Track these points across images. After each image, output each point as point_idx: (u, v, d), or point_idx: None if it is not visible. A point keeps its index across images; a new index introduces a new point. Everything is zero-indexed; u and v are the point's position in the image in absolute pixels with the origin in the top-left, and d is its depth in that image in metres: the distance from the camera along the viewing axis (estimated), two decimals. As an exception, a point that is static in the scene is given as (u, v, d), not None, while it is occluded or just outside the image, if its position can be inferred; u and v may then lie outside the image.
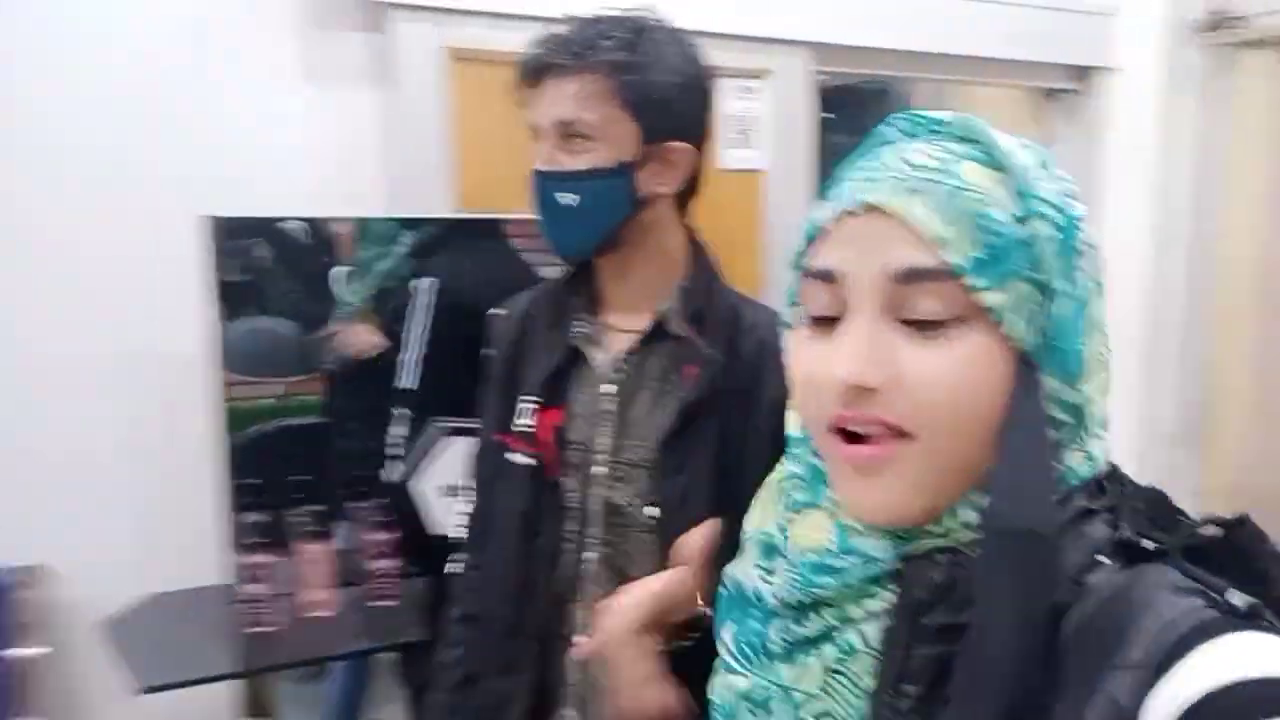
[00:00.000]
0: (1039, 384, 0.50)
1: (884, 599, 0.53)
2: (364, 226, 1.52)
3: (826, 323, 0.52)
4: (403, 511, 1.41)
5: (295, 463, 1.41)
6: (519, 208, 1.13)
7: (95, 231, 1.50)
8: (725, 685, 0.58)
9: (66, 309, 1.50)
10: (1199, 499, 2.40)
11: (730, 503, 0.68)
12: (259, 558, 1.27)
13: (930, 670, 0.50)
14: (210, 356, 1.39)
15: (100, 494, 1.54)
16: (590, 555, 0.95)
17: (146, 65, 1.52)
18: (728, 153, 1.96)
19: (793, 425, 0.59)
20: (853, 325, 0.51)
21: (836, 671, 0.53)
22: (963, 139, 0.53)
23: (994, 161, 0.51)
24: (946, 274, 0.49)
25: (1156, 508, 0.52)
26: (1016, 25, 2.21)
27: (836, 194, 0.53)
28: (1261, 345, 2.38)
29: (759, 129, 2.00)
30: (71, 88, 1.48)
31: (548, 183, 0.96)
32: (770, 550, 0.58)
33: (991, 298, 0.48)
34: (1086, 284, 0.52)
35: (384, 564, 1.38)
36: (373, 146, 1.68)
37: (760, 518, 0.61)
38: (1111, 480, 0.54)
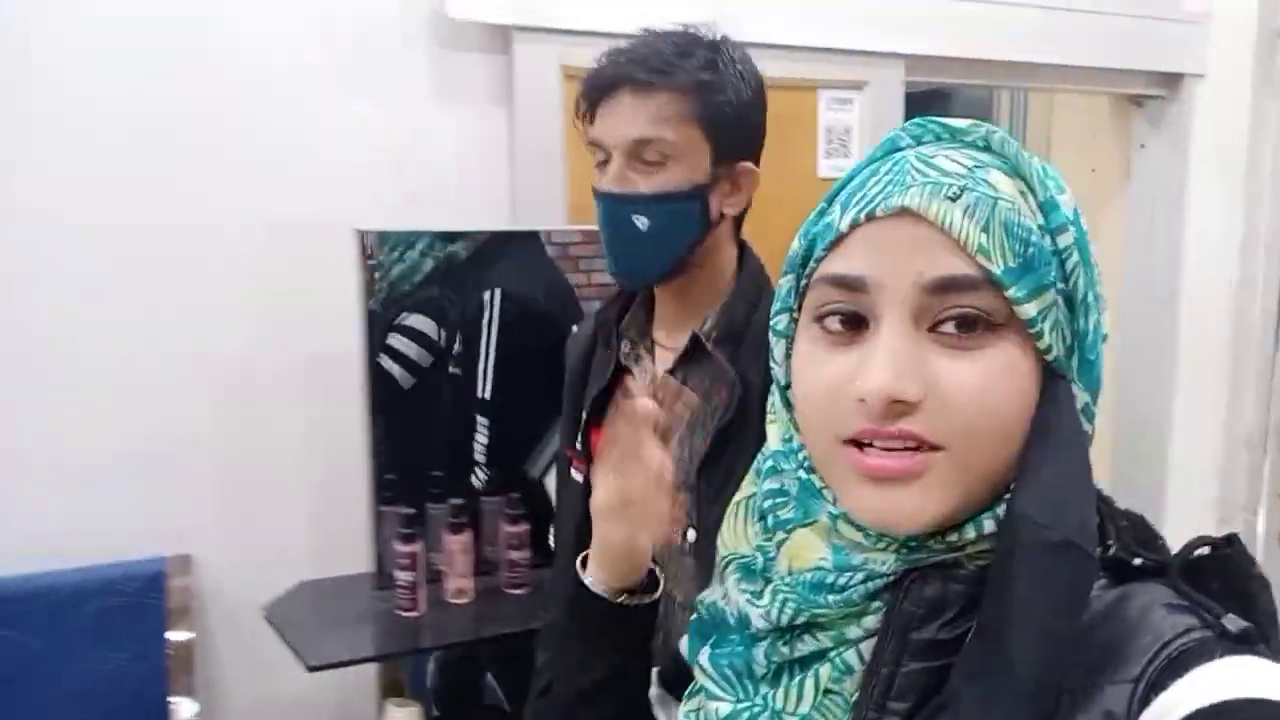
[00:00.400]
0: (1073, 396, 0.49)
1: (879, 616, 0.51)
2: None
3: (847, 333, 0.50)
4: (535, 505, 1.51)
5: (437, 458, 1.51)
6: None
7: (263, 245, 1.63)
8: (703, 711, 0.56)
9: (227, 310, 1.63)
10: (1278, 502, 2.42)
11: None
12: (408, 547, 1.37)
13: (919, 686, 0.49)
14: (363, 357, 1.49)
15: (245, 490, 1.67)
16: None
17: (302, 88, 1.64)
18: (825, 161, 2.03)
19: (774, 439, 0.57)
20: (884, 336, 0.48)
21: (832, 691, 0.52)
22: (983, 148, 0.52)
23: (1018, 171, 0.50)
24: (985, 283, 0.47)
25: (1140, 528, 0.53)
26: (1104, 32, 2.24)
27: (857, 197, 0.50)
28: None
29: (854, 138, 2.06)
30: (239, 108, 1.60)
31: (620, 205, 0.92)
32: (751, 573, 0.56)
33: (1028, 308, 0.48)
34: (1100, 297, 0.52)
35: (516, 555, 1.48)
36: (499, 161, 1.78)
37: (733, 540, 0.59)
38: (1100, 503, 0.53)
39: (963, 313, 0.47)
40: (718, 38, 0.97)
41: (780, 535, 0.54)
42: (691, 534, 0.92)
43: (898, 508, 0.49)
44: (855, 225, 0.49)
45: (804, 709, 0.52)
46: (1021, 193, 0.50)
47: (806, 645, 0.52)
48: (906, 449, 0.48)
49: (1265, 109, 2.38)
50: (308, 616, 1.46)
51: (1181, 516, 2.36)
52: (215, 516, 1.65)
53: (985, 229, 0.47)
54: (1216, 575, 0.49)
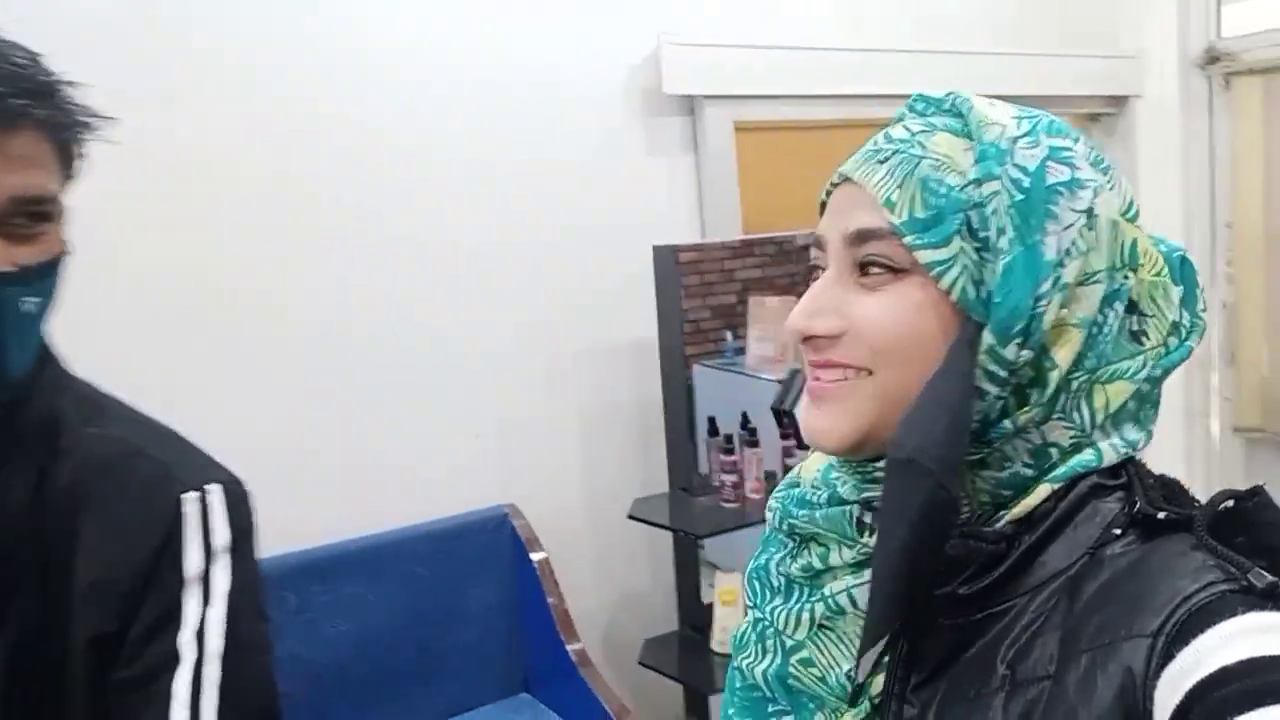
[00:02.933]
0: (970, 335, 0.52)
1: (863, 553, 0.55)
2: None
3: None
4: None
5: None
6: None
7: (568, 263, 2.20)
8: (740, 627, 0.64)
9: (549, 311, 2.19)
10: (1227, 404, 3.20)
11: None
12: (729, 459, 1.97)
13: (943, 642, 0.53)
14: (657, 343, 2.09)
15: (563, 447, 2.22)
16: None
17: (578, 150, 2.23)
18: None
19: None
20: (816, 282, 0.57)
21: (826, 628, 0.57)
22: (951, 113, 0.56)
23: (967, 131, 0.54)
24: (888, 232, 0.53)
25: (1170, 487, 0.54)
26: (1071, 67, 3.03)
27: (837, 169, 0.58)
28: (1273, 296, 3.19)
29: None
30: (539, 158, 2.18)
31: (8, 289, 0.64)
32: (790, 486, 0.64)
33: (927, 254, 0.52)
34: (1065, 249, 0.52)
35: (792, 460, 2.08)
36: (690, 192, 2.40)
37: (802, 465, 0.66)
38: (1127, 464, 0.55)
39: (867, 257, 0.54)
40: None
41: (804, 453, 0.65)
42: None
43: (815, 424, 0.56)
44: (829, 193, 0.58)
45: (800, 635, 0.58)
46: (966, 150, 0.54)
47: (800, 560, 0.59)
48: (834, 372, 0.55)
49: (1190, 120, 3.19)
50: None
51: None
52: (533, 473, 2.20)
53: (901, 185, 0.53)
54: (1243, 529, 0.48)
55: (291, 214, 1.91)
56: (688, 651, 2.05)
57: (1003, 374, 0.52)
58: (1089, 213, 0.53)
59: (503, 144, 2.13)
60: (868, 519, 0.56)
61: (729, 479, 1.96)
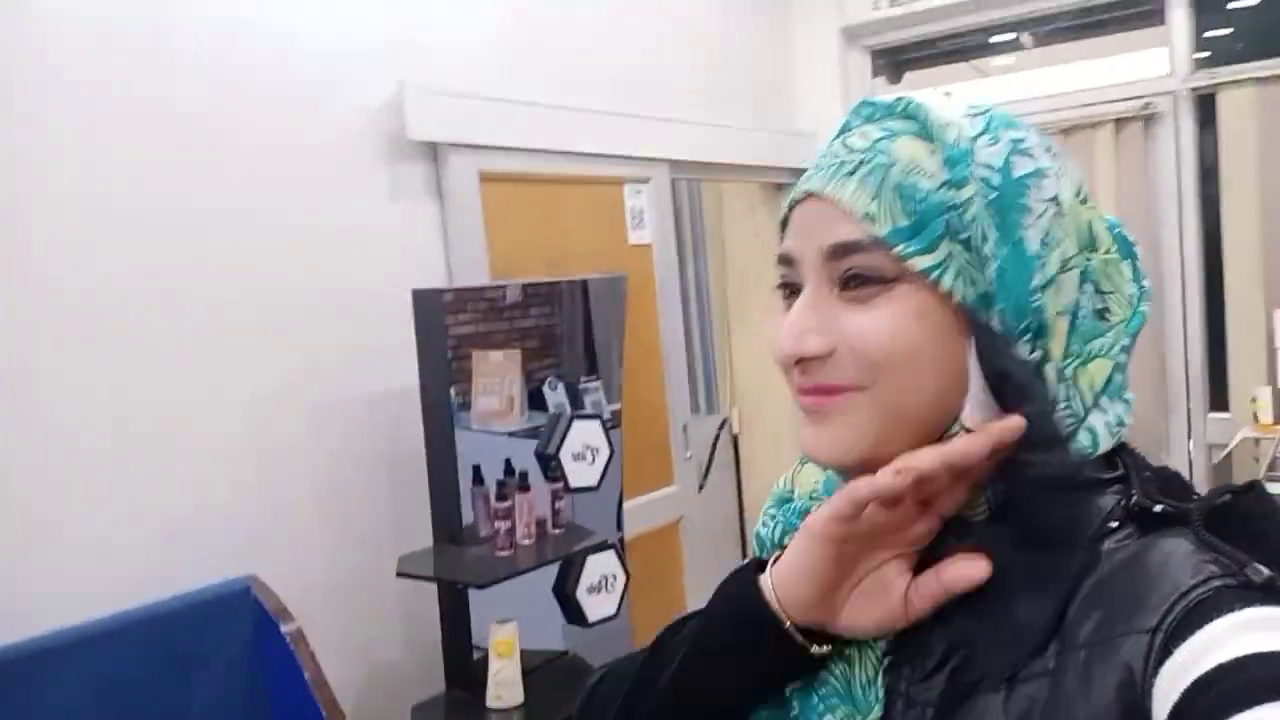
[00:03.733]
0: (991, 334, 0.52)
1: None
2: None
3: (792, 298, 0.57)
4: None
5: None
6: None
7: (306, 312, 2.06)
8: None
9: (283, 363, 2.02)
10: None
11: None
12: (502, 504, 1.93)
13: (944, 638, 0.53)
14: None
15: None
16: None
17: (316, 197, 2.10)
18: (632, 232, 2.88)
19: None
20: (797, 303, 0.56)
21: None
22: (904, 116, 0.56)
23: (927, 134, 0.54)
24: (873, 244, 0.52)
25: (1167, 480, 0.55)
26: (755, 141, 3.40)
27: (797, 185, 0.57)
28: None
29: (645, 215, 2.94)
30: (272, 205, 2.02)
31: None
32: (784, 500, 0.63)
33: (920, 261, 0.52)
34: (1043, 240, 0.53)
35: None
36: (436, 238, 2.36)
37: (787, 481, 0.66)
38: (1122, 453, 0.56)
39: (852, 271, 0.53)
40: None
41: (796, 467, 0.62)
42: None
43: (818, 441, 0.55)
44: (790, 210, 0.58)
45: (822, 646, 0.56)
46: (931, 152, 0.53)
47: None
48: (827, 389, 0.54)
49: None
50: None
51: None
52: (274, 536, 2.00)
53: (875, 196, 0.52)
54: (1240, 523, 0.48)
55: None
56: (458, 713, 1.96)
57: (1030, 357, 0.54)
58: (1055, 200, 0.54)
59: (232, 186, 1.96)
60: None
61: (503, 525, 1.93)
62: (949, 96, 4.02)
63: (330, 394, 2.10)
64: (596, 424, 2.20)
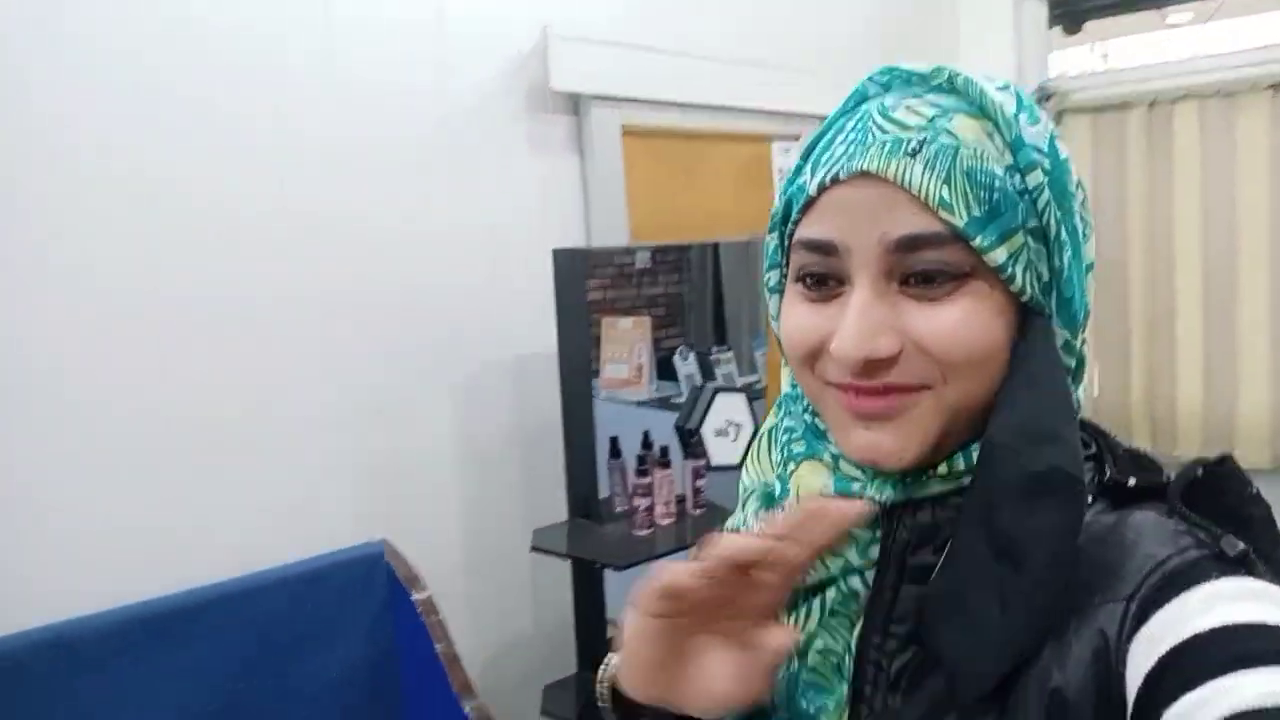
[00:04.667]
0: (1051, 331, 0.50)
1: (878, 545, 0.53)
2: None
3: (822, 290, 0.52)
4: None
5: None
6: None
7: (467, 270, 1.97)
8: None
9: (421, 325, 1.95)
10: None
11: None
12: (642, 480, 1.80)
13: (916, 609, 0.51)
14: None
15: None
16: None
17: (432, 141, 2.01)
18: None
19: (784, 384, 0.59)
20: (855, 299, 0.50)
21: (837, 613, 0.54)
22: (950, 90, 0.51)
23: (983, 112, 0.49)
24: (950, 236, 0.47)
25: (1138, 457, 0.54)
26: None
27: (824, 159, 0.51)
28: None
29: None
30: (409, 157, 1.94)
31: None
32: (771, 499, 0.58)
33: (996, 254, 0.48)
34: (1081, 226, 0.51)
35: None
36: (576, 196, 2.24)
37: (757, 469, 0.60)
38: (1093, 432, 0.55)
39: (925, 267, 0.48)
40: None
41: (791, 466, 0.57)
42: None
43: (881, 446, 0.50)
44: (823, 189, 0.50)
45: (810, 626, 0.54)
46: (989, 134, 0.49)
47: (816, 573, 0.54)
48: (889, 390, 0.50)
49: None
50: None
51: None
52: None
53: (947, 181, 0.47)
54: (1213, 498, 0.48)
55: (153, 218, 1.58)
56: (592, 695, 1.86)
57: (1073, 365, 0.52)
58: (1080, 185, 0.52)
59: (369, 139, 1.88)
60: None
61: (642, 502, 1.80)
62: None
63: (465, 359, 2.01)
64: (741, 398, 2.05)
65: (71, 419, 1.54)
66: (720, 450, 1.99)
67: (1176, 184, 2.95)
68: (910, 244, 0.48)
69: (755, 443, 0.61)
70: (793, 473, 0.56)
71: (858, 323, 0.49)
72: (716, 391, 2.00)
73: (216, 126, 1.66)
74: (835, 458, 0.54)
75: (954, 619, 0.48)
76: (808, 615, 0.55)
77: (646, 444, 1.95)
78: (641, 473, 1.81)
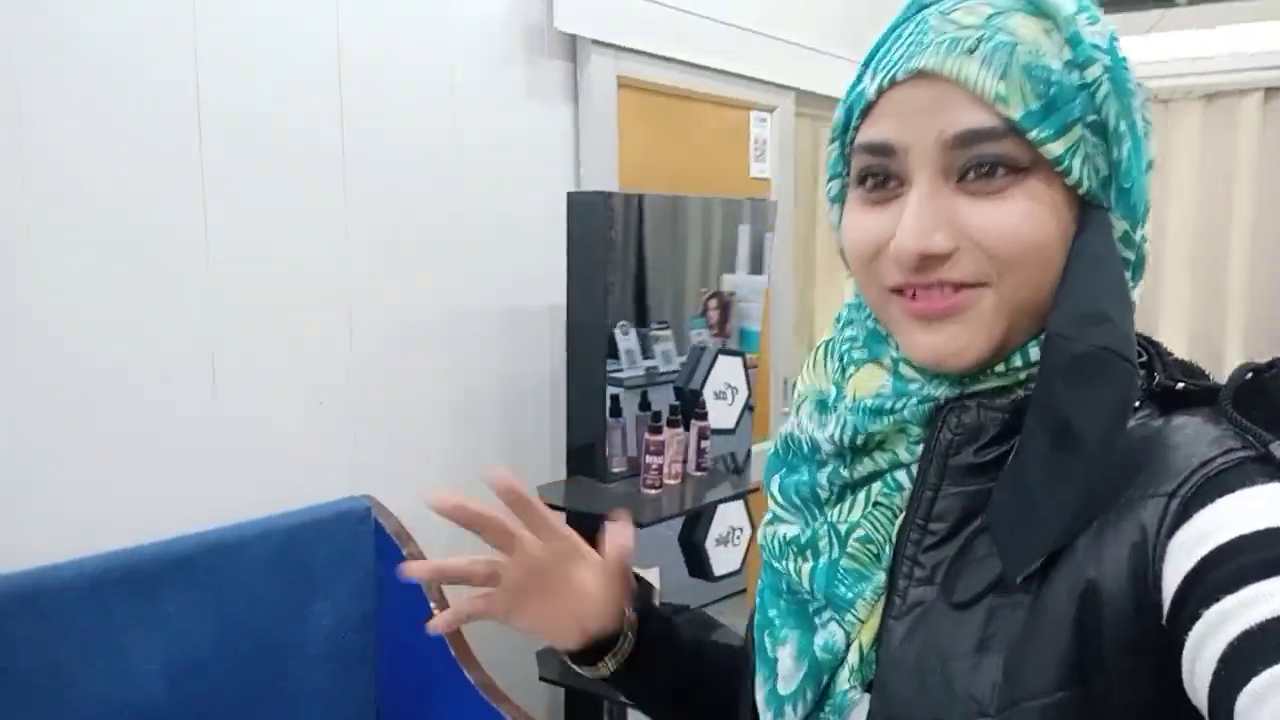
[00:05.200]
0: (1109, 224, 0.50)
1: (920, 444, 0.53)
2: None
3: (882, 192, 0.52)
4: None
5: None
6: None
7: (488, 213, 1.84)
8: (774, 533, 0.60)
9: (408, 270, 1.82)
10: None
11: None
12: (656, 438, 1.74)
13: (957, 509, 0.51)
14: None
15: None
16: None
17: (426, 79, 1.87)
18: (754, 165, 2.67)
19: (848, 294, 0.60)
20: (913, 196, 0.50)
21: (880, 504, 0.55)
22: None
23: (1041, 11, 0.49)
24: (1006, 130, 0.48)
25: (1187, 365, 0.54)
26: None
27: (883, 63, 0.51)
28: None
29: (768, 148, 2.73)
30: (400, 96, 1.79)
31: None
32: (824, 406, 0.58)
33: (1053, 147, 0.48)
34: (1142, 124, 0.51)
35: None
36: (568, 145, 2.14)
37: (811, 378, 0.61)
38: (1149, 344, 0.55)
39: (983, 161, 0.49)
40: None
41: (851, 370, 0.58)
42: None
43: (944, 346, 0.51)
44: (881, 92, 0.51)
45: (854, 517, 0.55)
46: (1046, 31, 0.49)
47: (864, 467, 0.55)
48: (948, 288, 0.50)
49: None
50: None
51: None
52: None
53: (1003, 76, 0.47)
54: (1262, 403, 0.48)
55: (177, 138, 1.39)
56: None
57: (1132, 259, 0.52)
58: (1141, 86, 0.52)
59: (362, 71, 1.74)
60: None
61: (654, 461, 1.74)
62: None
63: (454, 310, 1.89)
64: (739, 362, 2.02)
65: (51, 359, 1.35)
66: (718, 413, 1.95)
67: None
68: (967, 139, 0.49)
69: (811, 355, 0.63)
70: (850, 376, 0.57)
71: (916, 218, 0.50)
72: (719, 353, 1.96)
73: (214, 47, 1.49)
74: (896, 361, 0.55)
75: (1011, 503, 0.49)
76: (852, 506, 0.56)
77: (645, 404, 1.88)
78: (654, 430, 1.75)
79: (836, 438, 0.55)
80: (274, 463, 1.65)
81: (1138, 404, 0.50)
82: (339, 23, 1.67)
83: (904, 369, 0.54)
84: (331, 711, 1.64)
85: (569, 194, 1.80)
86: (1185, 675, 0.42)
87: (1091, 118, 0.49)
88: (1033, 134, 0.48)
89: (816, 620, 0.56)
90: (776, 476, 0.61)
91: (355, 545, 1.68)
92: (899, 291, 0.52)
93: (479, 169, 1.92)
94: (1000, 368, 0.52)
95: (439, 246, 1.85)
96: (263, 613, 1.54)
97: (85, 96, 1.37)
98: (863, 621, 0.54)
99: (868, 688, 0.53)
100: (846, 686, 0.54)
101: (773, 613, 0.60)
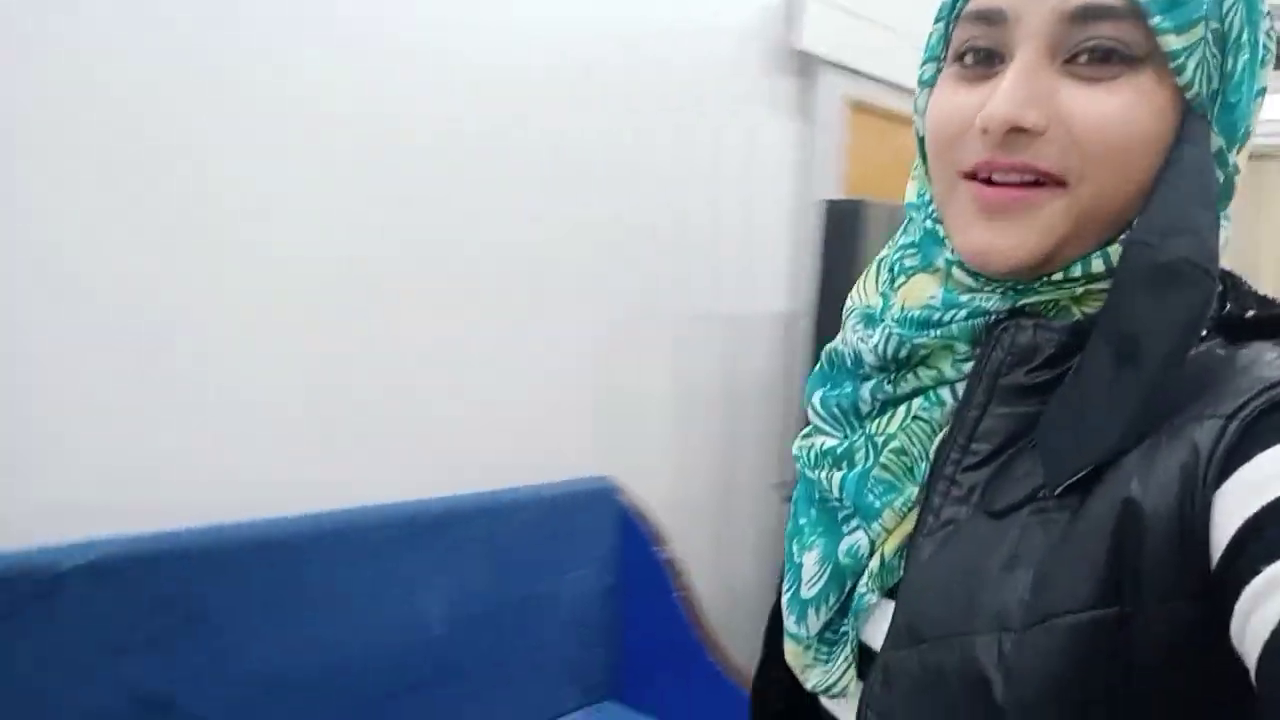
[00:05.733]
0: (1208, 135, 0.47)
1: (966, 362, 0.51)
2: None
3: (981, 69, 0.49)
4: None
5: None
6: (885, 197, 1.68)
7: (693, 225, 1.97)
8: (810, 445, 0.58)
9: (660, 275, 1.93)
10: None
11: None
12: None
13: (1002, 430, 0.49)
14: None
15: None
16: None
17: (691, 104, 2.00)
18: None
19: (911, 194, 0.57)
20: (1015, 66, 0.47)
21: (920, 418, 0.52)
22: None
23: None
24: (1128, 13, 0.45)
25: (1261, 296, 0.52)
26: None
27: None
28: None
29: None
30: (645, 108, 1.92)
31: None
32: (871, 319, 0.56)
33: (1173, 40, 0.45)
34: (1262, 50, 0.49)
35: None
36: (796, 161, 2.23)
37: (862, 293, 0.59)
38: (1226, 275, 0.52)
39: (1098, 43, 0.46)
40: None
41: (900, 280, 0.55)
42: None
43: (996, 244, 0.48)
44: None
45: (891, 429, 0.53)
46: None
47: (909, 383, 0.53)
48: (1024, 183, 0.47)
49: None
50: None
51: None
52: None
53: None
54: None
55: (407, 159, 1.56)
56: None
57: (1221, 179, 0.49)
58: (1269, 14, 0.49)
59: (606, 88, 1.86)
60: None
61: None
62: None
63: (693, 311, 1.99)
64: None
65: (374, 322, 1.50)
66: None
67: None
68: (1086, 14, 0.45)
69: (865, 271, 0.60)
70: (900, 286, 0.54)
71: (1013, 87, 0.46)
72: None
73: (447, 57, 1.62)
74: (949, 264, 0.51)
75: (1062, 415, 0.47)
76: (891, 419, 0.54)
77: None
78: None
79: (881, 349, 0.53)
80: (522, 435, 1.75)
81: (1205, 332, 0.47)
82: (593, 24, 1.80)
83: (956, 274, 0.51)
84: (575, 673, 1.72)
85: (827, 201, 1.87)
86: (1235, 630, 0.39)
87: (1215, 25, 0.46)
88: (1155, 20, 0.45)
89: (844, 528, 0.55)
90: (820, 391, 0.58)
91: (601, 521, 1.77)
92: (972, 177, 0.49)
93: (708, 174, 2.02)
94: (1058, 276, 0.48)
95: (674, 248, 1.96)
96: (509, 579, 1.64)
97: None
98: (889, 531, 0.52)
99: (887, 594, 0.53)
100: (864, 590, 0.53)
101: (803, 520, 0.58)
